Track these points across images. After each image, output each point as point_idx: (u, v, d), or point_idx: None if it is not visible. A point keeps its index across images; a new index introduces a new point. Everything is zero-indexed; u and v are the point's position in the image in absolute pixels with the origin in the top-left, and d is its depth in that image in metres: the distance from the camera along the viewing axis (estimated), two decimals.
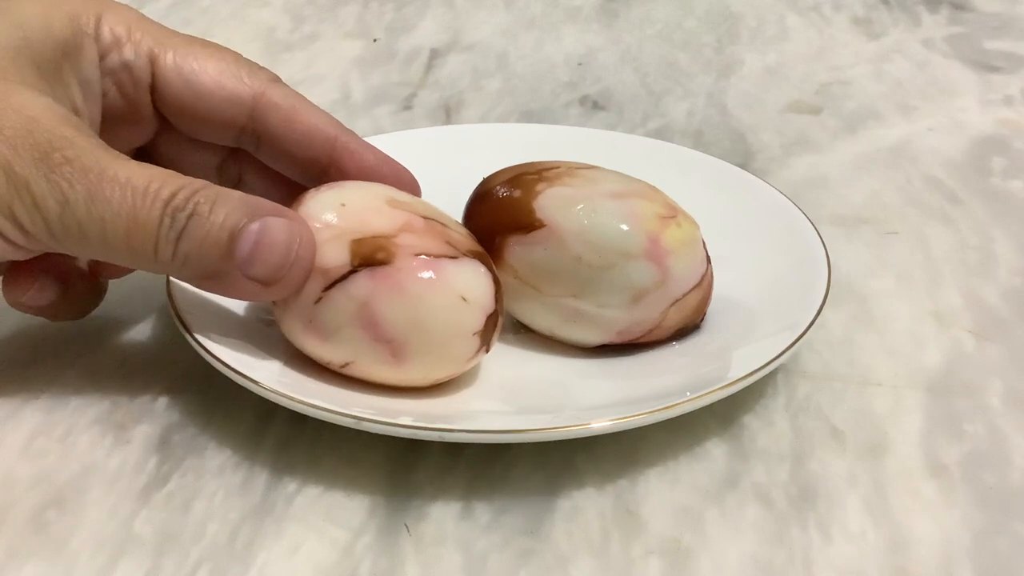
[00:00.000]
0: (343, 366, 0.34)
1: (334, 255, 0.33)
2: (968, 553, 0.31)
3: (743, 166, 0.48)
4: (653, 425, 0.33)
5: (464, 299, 0.33)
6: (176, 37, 0.37)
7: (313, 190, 0.35)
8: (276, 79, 0.38)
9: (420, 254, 0.33)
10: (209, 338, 0.34)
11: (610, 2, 0.73)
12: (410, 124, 0.56)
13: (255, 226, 0.32)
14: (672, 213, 0.37)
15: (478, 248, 0.35)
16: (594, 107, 0.59)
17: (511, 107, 0.59)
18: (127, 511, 0.32)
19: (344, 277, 0.33)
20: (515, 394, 0.36)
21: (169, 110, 0.37)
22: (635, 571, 0.31)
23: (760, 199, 0.44)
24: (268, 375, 0.33)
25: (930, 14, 0.72)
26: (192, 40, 0.38)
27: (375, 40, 0.67)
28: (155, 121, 0.38)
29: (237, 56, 0.38)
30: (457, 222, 0.37)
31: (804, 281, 0.38)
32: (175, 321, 0.35)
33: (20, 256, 0.33)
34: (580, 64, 0.64)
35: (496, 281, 0.34)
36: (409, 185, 0.38)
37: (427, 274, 0.33)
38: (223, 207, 0.32)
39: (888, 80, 0.63)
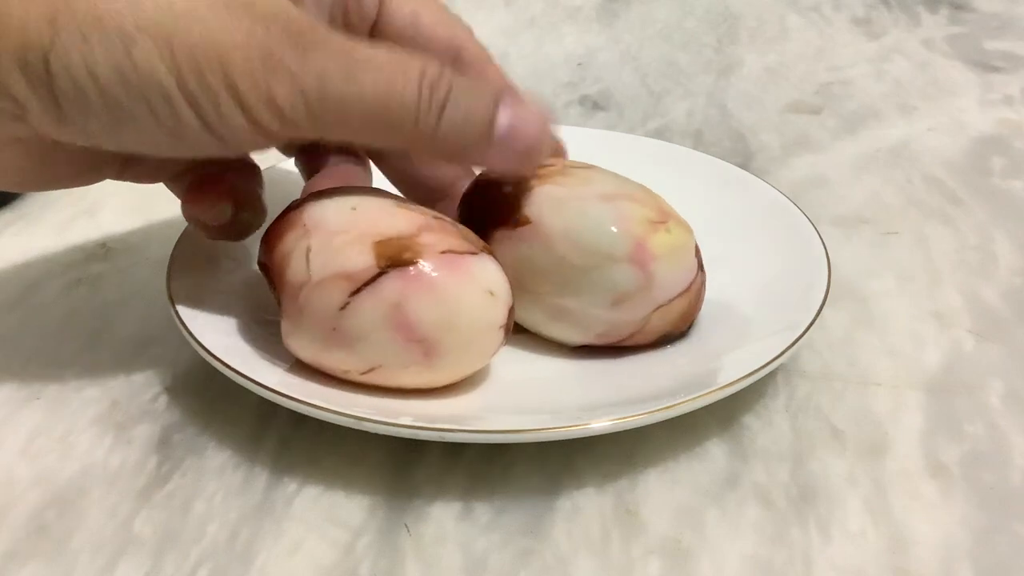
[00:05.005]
0: (366, 372, 0.33)
1: (357, 258, 0.32)
2: (968, 553, 0.31)
3: (743, 166, 0.48)
4: (653, 425, 0.33)
5: (491, 293, 0.33)
6: None
7: (313, 195, 0.35)
8: (471, 30, 0.39)
9: (446, 251, 0.33)
10: (209, 338, 0.34)
11: (610, 2, 0.73)
12: None
13: (509, 100, 0.33)
14: (663, 218, 0.36)
15: (485, 243, 0.35)
16: (594, 107, 0.59)
17: None
18: (127, 511, 0.32)
19: (372, 280, 0.32)
20: (515, 394, 0.36)
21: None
22: (635, 571, 0.30)
23: (760, 199, 0.44)
24: (268, 375, 0.33)
25: (930, 14, 0.72)
26: None
27: None
28: None
29: (442, 4, 0.39)
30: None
31: (804, 281, 0.38)
32: (176, 321, 0.35)
33: (262, 147, 0.34)
34: (580, 64, 0.64)
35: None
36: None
37: (456, 271, 0.33)
38: (477, 81, 0.34)
39: (888, 80, 0.63)
